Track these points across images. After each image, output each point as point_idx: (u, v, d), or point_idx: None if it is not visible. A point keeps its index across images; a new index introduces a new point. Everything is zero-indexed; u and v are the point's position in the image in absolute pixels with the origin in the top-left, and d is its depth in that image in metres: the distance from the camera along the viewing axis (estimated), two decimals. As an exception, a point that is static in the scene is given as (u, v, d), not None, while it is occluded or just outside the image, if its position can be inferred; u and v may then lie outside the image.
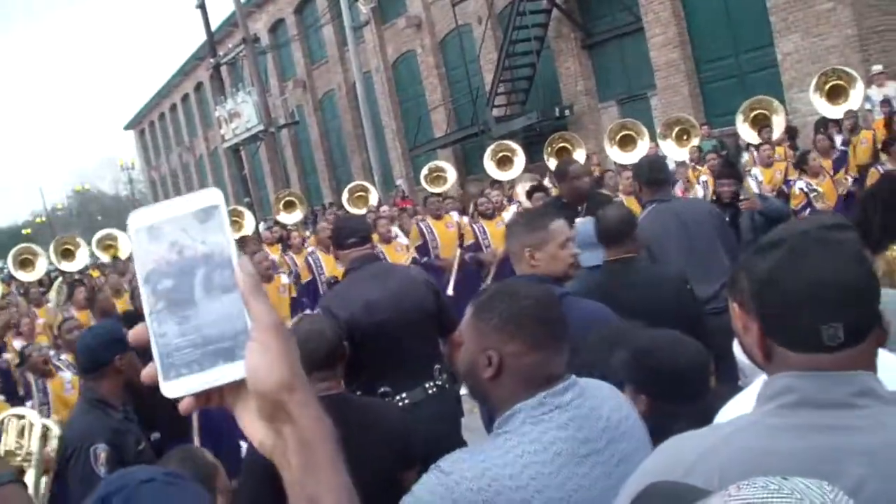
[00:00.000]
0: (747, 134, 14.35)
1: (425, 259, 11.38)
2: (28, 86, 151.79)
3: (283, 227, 16.45)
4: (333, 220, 11.06)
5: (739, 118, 14.45)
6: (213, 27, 32.73)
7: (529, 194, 11.72)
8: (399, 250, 11.53)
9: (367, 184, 20.15)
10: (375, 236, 11.63)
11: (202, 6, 30.92)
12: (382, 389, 4.71)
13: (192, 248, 1.04)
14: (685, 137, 14.91)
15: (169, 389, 1.03)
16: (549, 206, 7.45)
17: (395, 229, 12.23)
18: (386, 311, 4.77)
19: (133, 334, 1.06)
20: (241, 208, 15.05)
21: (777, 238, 1.69)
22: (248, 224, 16.76)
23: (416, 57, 31.31)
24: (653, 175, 5.95)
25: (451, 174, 19.02)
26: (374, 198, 19.00)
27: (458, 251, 11.39)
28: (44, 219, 74.59)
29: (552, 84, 25.14)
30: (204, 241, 1.04)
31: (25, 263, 12.94)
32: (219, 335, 1.03)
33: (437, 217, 12.19)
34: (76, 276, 14.12)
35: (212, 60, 32.33)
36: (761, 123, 14.18)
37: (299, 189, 33.20)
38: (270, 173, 38.43)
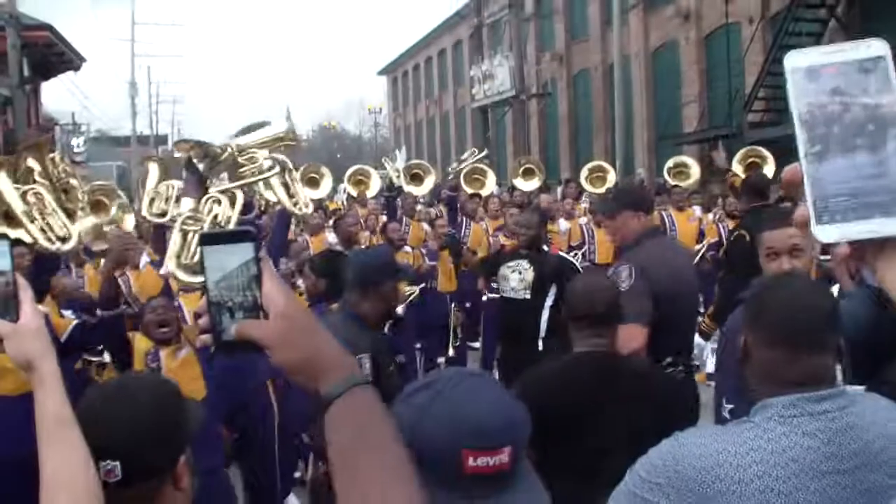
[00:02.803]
0: None
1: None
2: (292, 18, 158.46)
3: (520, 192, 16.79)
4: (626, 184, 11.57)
5: None
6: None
7: (779, 202, 11.62)
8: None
9: (605, 164, 20.20)
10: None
11: (474, -33, 31.68)
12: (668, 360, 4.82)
13: (855, 96, 1.04)
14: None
15: (822, 233, 1.04)
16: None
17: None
18: (685, 283, 5.04)
19: (788, 171, 1.09)
20: (482, 166, 15.42)
21: None
22: (489, 184, 17.16)
23: (679, 48, 30.91)
24: None
25: (695, 171, 18.84)
26: (612, 178, 19.06)
27: (704, 244, 11.61)
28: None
29: (815, 96, 24.37)
30: (867, 91, 1.04)
31: (312, 182, 13.65)
32: (879, 188, 1.03)
33: (680, 209, 12.32)
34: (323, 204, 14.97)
35: (476, 20, 33.05)
36: None
37: (538, 159, 33.55)
38: (512, 139, 38.89)
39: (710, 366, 8.84)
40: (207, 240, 1.45)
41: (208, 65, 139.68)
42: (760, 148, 17.67)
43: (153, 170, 6.88)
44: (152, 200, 5.90)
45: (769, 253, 3.78)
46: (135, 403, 2.09)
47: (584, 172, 19.54)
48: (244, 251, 1.42)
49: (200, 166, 5.24)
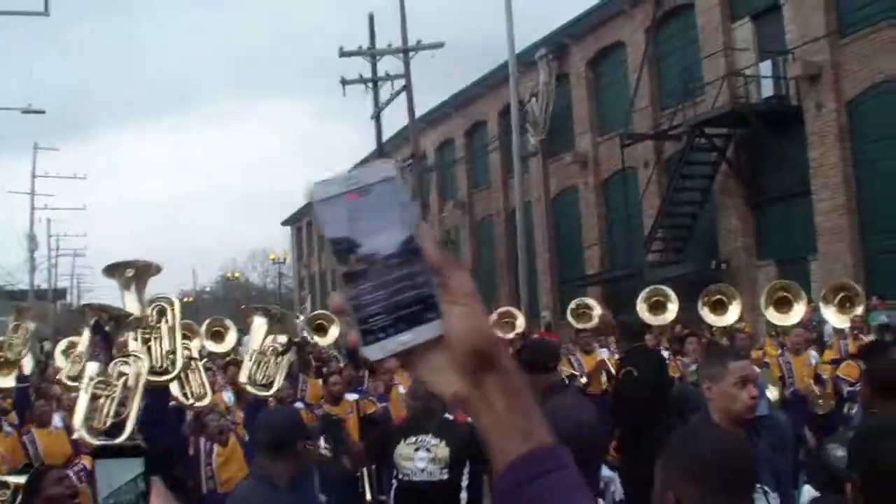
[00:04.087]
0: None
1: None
2: (196, 166, 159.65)
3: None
4: (529, 344, 11.05)
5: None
6: (385, 138, 33.95)
7: (682, 339, 11.71)
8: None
9: (514, 310, 20.24)
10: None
11: (377, 118, 32.19)
12: None
13: (375, 219, 1.10)
14: (848, 305, 14.60)
15: (369, 352, 1.11)
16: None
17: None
18: (589, 437, 4.84)
19: (332, 302, 1.16)
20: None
21: None
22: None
23: (579, 193, 31.70)
24: None
25: (597, 312, 18.99)
26: (521, 324, 19.08)
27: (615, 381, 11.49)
28: (192, 299, 77.17)
29: (711, 236, 25.08)
30: (385, 213, 1.10)
31: (216, 335, 13.63)
32: (409, 300, 1.10)
33: (587, 352, 12.32)
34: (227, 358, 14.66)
35: (379, 171, 33.42)
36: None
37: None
38: (419, 287, 38.94)
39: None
40: (99, 453, 1.52)
41: (111, 216, 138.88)
42: (664, 287, 17.93)
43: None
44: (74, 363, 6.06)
45: (739, 381, 3.94)
46: None
47: (494, 317, 19.49)
48: (133, 467, 1.46)
49: (106, 328, 5.30)
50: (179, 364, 5.61)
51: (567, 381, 10.18)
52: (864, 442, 2.44)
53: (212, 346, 14.84)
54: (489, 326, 1.16)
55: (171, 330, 5.62)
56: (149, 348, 5.44)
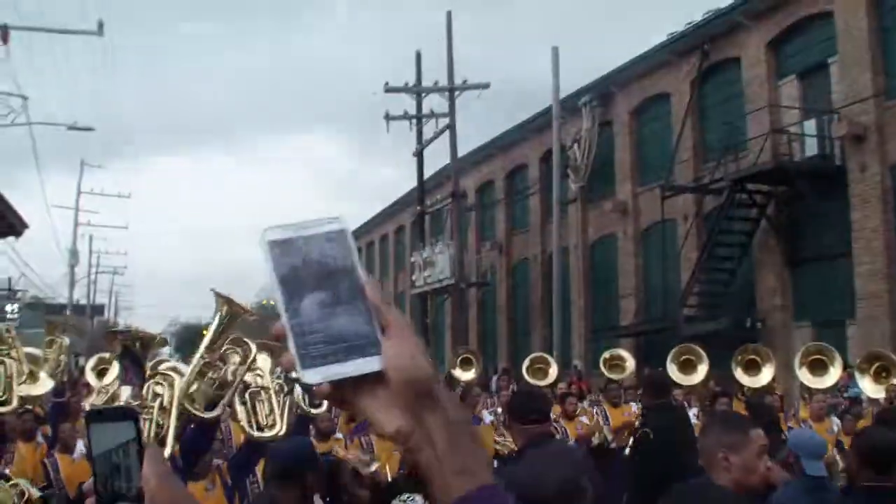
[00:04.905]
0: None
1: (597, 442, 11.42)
2: (233, 191, 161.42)
3: (458, 382, 16.58)
4: (518, 392, 10.88)
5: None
6: (426, 175, 34.06)
7: (714, 399, 11.56)
8: (580, 429, 11.53)
9: (548, 357, 20.11)
10: (557, 410, 11.62)
11: (419, 155, 32.32)
12: None
13: (322, 262, 1.18)
14: (884, 374, 14.34)
15: (307, 376, 1.14)
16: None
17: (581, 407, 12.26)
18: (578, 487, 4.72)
19: (274, 328, 1.18)
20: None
21: None
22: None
23: (617, 241, 31.55)
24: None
25: (630, 364, 18.83)
26: (553, 372, 18.94)
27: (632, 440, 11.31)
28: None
29: (748, 293, 24.84)
30: (333, 258, 1.18)
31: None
32: (350, 334, 1.15)
33: (615, 405, 12.16)
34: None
35: (418, 208, 33.52)
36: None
37: (476, 348, 33.50)
38: (450, 326, 38.95)
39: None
40: (93, 417, 1.49)
41: (151, 236, 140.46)
42: (693, 346, 17.72)
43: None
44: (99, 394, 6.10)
45: (760, 451, 3.81)
46: None
47: (526, 363, 19.38)
48: (126, 430, 1.47)
49: (134, 351, 5.39)
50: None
51: (555, 434, 9.97)
52: None
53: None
54: (425, 359, 1.18)
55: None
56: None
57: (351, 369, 1.15)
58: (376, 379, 1.16)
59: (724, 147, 25.06)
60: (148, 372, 5.28)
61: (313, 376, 1.15)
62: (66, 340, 9.42)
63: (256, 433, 6.25)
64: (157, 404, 4.95)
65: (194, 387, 4.95)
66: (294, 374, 1.22)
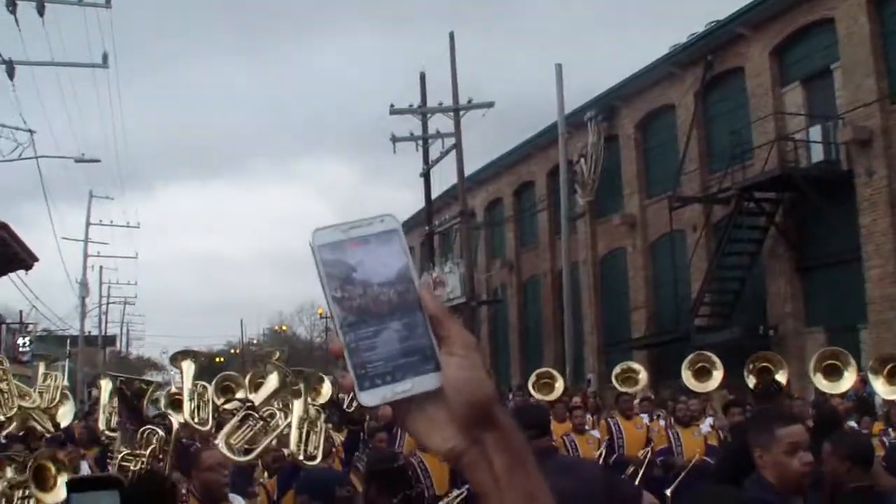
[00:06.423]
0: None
1: (615, 456, 11.35)
2: (247, 217, 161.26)
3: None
4: (514, 407, 10.81)
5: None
6: (433, 195, 34.11)
7: (726, 408, 11.54)
8: (591, 443, 11.49)
9: (554, 371, 20.07)
10: (569, 425, 11.56)
11: (426, 175, 32.40)
12: None
13: (376, 269, 1.12)
14: (898, 377, 14.28)
15: (365, 398, 1.10)
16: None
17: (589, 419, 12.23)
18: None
19: (332, 346, 1.16)
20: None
21: None
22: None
23: (626, 255, 31.54)
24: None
25: (643, 376, 18.79)
26: (559, 386, 18.87)
27: (648, 451, 11.29)
28: (238, 351, 77.66)
29: (759, 301, 24.79)
30: (385, 263, 1.13)
31: (226, 390, 13.60)
32: (407, 350, 1.11)
33: (628, 417, 12.15)
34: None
35: (427, 228, 33.57)
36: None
37: (489, 366, 33.46)
38: (463, 345, 38.86)
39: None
40: (75, 486, 1.50)
41: (162, 266, 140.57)
42: (708, 353, 17.68)
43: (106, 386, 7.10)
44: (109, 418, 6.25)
45: (789, 448, 3.77)
46: None
47: (532, 378, 19.34)
48: (110, 499, 1.46)
49: (129, 396, 5.51)
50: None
51: (556, 448, 9.79)
52: None
53: (254, 397, 14.99)
54: (488, 380, 1.14)
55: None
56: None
57: (408, 387, 1.11)
58: (432, 396, 1.12)
59: (730, 156, 25.08)
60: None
61: (371, 399, 1.11)
62: (62, 377, 9.52)
63: (308, 462, 6.46)
64: (149, 451, 5.15)
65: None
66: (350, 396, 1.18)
